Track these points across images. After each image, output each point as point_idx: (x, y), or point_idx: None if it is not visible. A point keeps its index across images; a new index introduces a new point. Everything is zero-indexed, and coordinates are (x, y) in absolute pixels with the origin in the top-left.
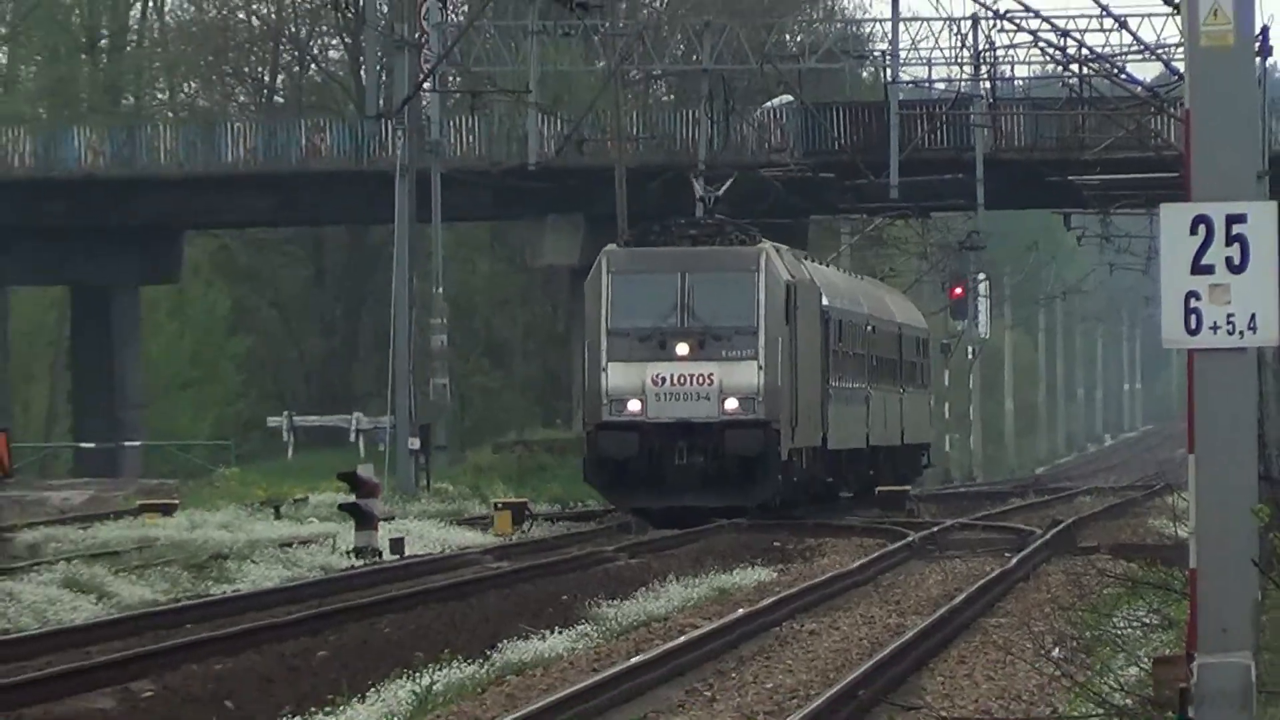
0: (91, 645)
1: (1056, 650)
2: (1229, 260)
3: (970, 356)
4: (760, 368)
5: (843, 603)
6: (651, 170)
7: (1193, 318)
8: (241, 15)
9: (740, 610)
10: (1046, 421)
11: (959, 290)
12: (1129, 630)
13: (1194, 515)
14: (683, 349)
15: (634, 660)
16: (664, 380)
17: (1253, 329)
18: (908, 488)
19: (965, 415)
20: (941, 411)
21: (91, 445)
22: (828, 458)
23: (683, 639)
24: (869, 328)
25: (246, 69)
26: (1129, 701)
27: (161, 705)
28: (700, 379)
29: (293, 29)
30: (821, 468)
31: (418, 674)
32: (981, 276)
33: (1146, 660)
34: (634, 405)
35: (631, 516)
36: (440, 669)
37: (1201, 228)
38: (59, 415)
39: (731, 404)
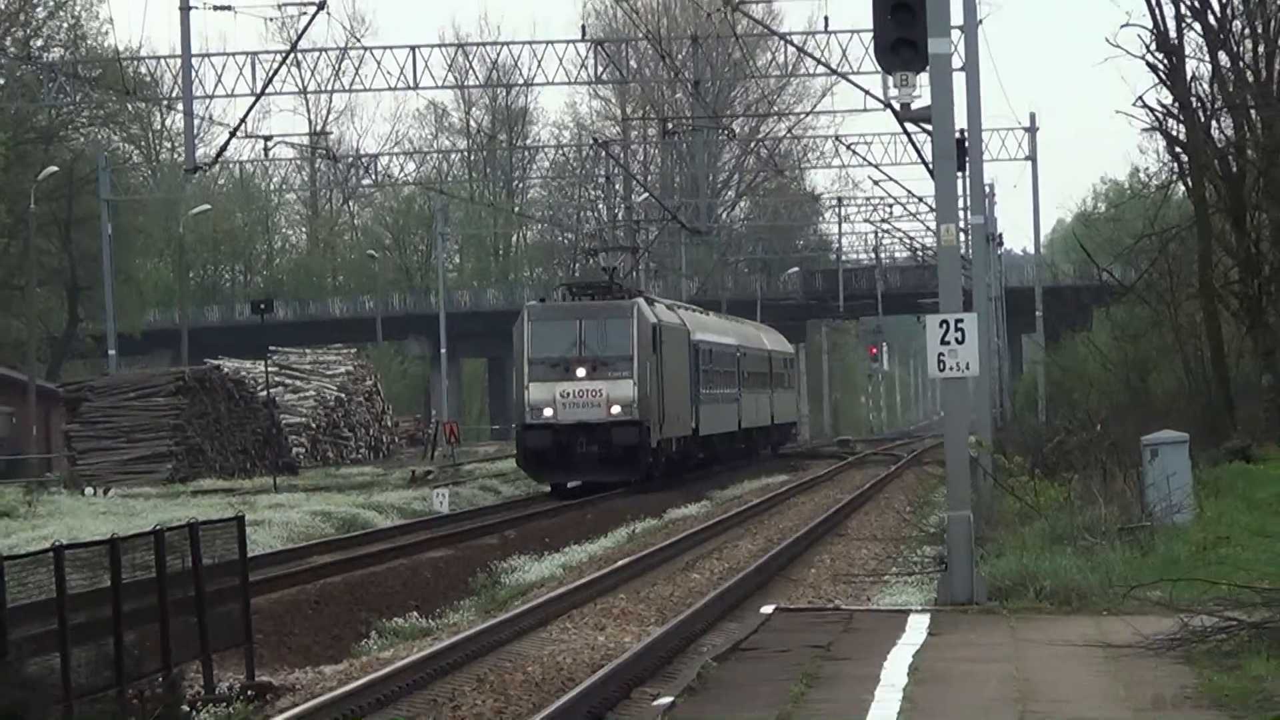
0: (488, 518)
1: (909, 509)
2: (956, 338)
3: (879, 380)
4: (634, 383)
5: (819, 486)
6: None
7: (941, 363)
8: None
9: (777, 488)
10: (915, 406)
11: (874, 350)
12: (939, 500)
13: (946, 445)
14: (581, 372)
15: (727, 515)
16: (568, 394)
17: (967, 368)
18: (849, 436)
19: (876, 406)
20: (867, 404)
21: (497, 427)
22: (700, 440)
23: (749, 503)
24: (739, 354)
25: None
26: (931, 531)
27: (517, 541)
28: (593, 393)
29: None
30: (694, 447)
31: (630, 525)
32: (886, 347)
33: (942, 514)
34: (548, 412)
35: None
36: (640, 522)
37: (945, 324)
38: (484, 415)
39: (615, 409)
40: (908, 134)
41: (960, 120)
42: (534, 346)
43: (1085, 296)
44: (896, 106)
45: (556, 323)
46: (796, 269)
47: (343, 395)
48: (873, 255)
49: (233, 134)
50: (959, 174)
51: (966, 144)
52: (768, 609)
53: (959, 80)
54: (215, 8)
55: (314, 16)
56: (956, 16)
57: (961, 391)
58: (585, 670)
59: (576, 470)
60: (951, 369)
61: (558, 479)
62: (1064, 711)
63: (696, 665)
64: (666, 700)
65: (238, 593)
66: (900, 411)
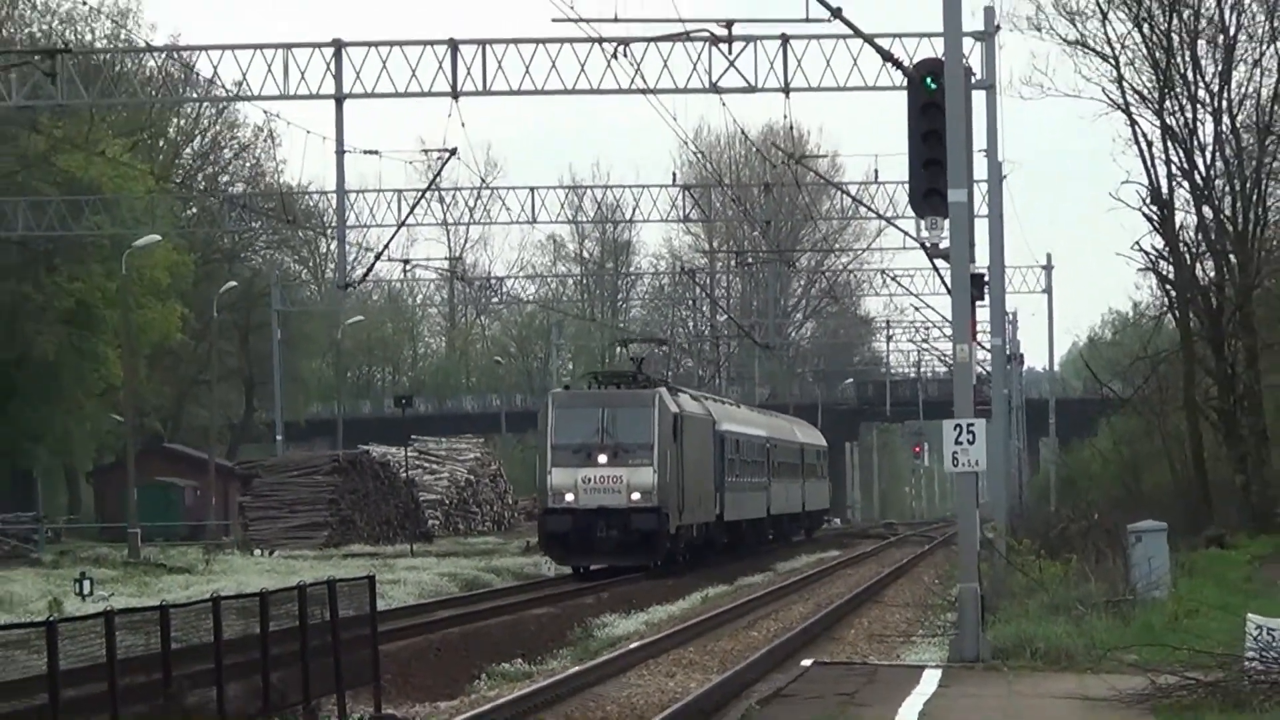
0: (586, 581)
1: (937, 581)
2: (967, 439)
3: (920, 474)
4: (654, 470)
5: (865, 561)
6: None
7: (955, 459)
8: None
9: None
10: (951, 496)
11: (918, 448)
12: None
13: (958, 529)
14: (602, 458)
15: (785, 583)
16: (590, 480)
17: (976, 464)
18: (893, 520)
19: (918, 495)
20: (910, 494)
21: None
22: (725, 526)
23: (805, 574)
24: (769, 444)
25: None
26: (953, 600)
27: (610, 601)
28: (613, 479)
29: None
30: (718, 533)
31: (704, 590)
32: (927, 446)
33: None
34: (569, 496)
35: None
36: (713, 588)
37: (958, 427)
38: None
39: (635, 495)
40: (937, 269)
41: (984, 258)
42: (557, 433)
43: (1091, 408)
44: (928, 245)
45: (580, 410)
46: (851, 379)
47: (472, 477)
48: (915, 369)
49: (377, 258)
50: (981, 304)
51: (986, 278)
52: (807, 662)
53: (984, 226)
54: (365, 152)
55: (446, 161)
56: (983, 173)
57: (971, 484)
58: (654, 710)
59: (595, 554)
60: (963, 465)
61: (577, 562)
62: None
63: (743, 708)
64: None
65: (368, 639)
66: (939, 500)
